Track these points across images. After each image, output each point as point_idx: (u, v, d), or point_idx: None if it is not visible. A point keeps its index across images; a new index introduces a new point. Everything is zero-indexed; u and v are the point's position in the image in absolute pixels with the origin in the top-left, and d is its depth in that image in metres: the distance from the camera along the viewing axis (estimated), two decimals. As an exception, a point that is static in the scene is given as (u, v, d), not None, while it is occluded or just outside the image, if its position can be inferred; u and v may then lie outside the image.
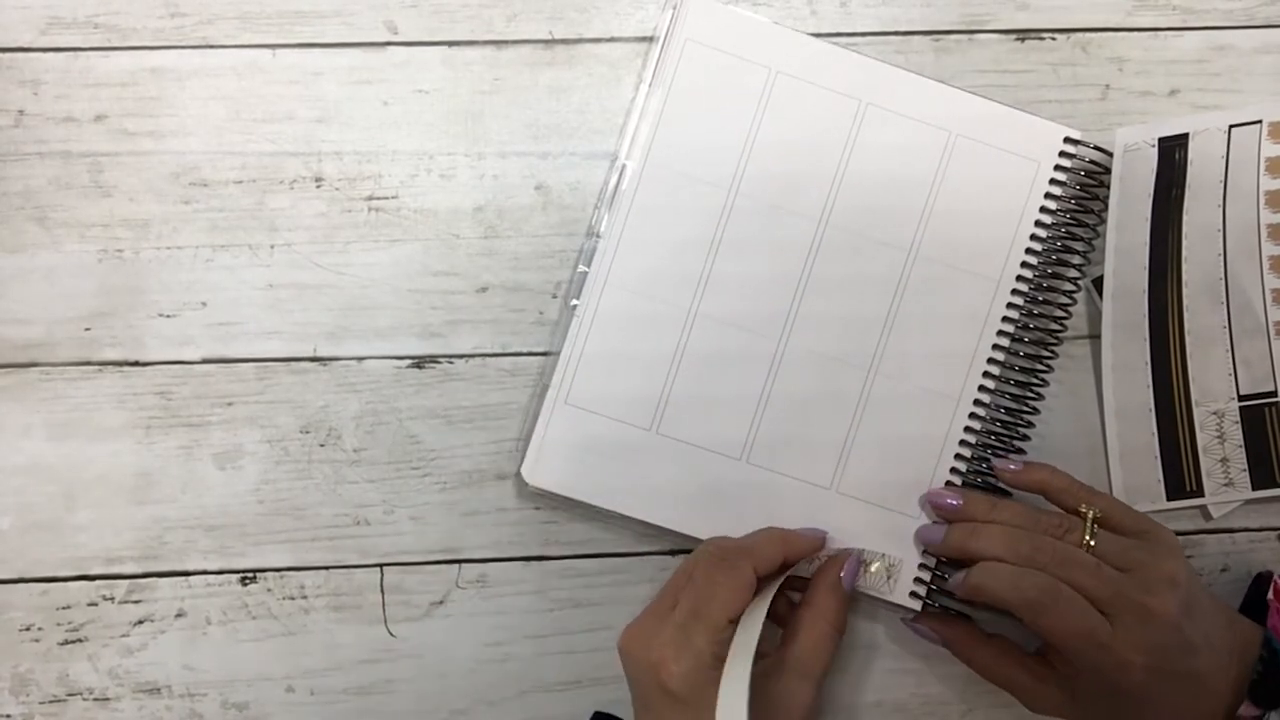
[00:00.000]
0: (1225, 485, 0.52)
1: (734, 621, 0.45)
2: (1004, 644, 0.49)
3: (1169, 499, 0.52)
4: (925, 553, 0.51)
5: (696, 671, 0.43)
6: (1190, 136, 0.53)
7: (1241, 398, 0.52)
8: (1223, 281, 0.52)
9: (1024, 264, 0.51)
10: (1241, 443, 0.52)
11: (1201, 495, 0.52)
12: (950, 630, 0.50)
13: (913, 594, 0.51)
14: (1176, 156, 0.53)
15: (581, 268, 0.51)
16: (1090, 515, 0.47)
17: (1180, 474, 0.52)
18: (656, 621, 0.45)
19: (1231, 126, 0.52)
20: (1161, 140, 0.53)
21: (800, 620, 0.47)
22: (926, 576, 0.51)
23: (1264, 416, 0.52)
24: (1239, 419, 0.52)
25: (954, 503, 0.49)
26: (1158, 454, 0.52)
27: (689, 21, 0.51)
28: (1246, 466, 0.52)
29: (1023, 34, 0.53)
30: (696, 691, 0.43)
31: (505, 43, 0.53)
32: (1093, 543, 0.46)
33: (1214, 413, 0.52)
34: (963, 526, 0.49)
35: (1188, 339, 0.52)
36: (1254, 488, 0.52)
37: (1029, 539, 0.46)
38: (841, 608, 0.48)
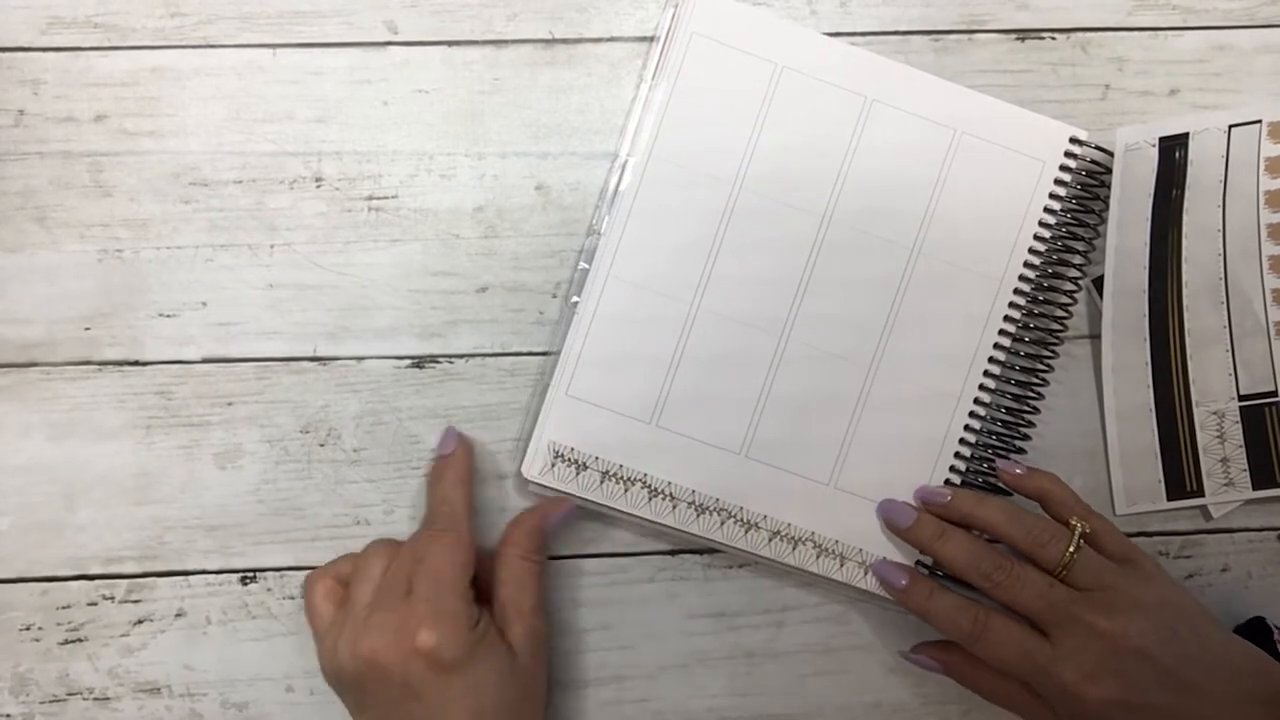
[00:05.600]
0: (1226, 485, 0.52)
1: (473, 582, 0.46)
2: (1010, 683, 0.48)
3: (1169, 499, 0.52)
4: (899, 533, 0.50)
5: (463, 633, 0.44)
6: (1190, 136, 0.53)
7: (1242, 398, 0.52)
8: (1223, 281, 0.52)
9: (1026, 264, 0.51)
10: (1242, 443, 0.52)
11: (1202, 495, 0.52)
12: (949, 655, 0.49)
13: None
14: (1177, 156, 0.53)
15: (582, 265, 0.51)
16: (1078, 529, 0.47)
17: (1180, 474, 0.52)
18: (390, 614, 0.44)
19: (1231, 126, 0.52)
20: (1162, 140, 0.53)
21: (499, 560, 0.47)
22: (925, 575, 0.51)
23: (1264, 416, 0.52)
24: (1239, 419, 0.52)
25: (944, 498, 0.49)
26: (1158, 454, 0.52)
27: (695, 15, 0.51)
28: (1247, 466, 0.52)
29: (1023, 34, 0.53)
30: (467, 653, 0.43)
31: (505, 43, 0.53)
32: (1075, 554, 0.46)
33: (1214, 413, 0.52)
34: (933, 523, 0.49)
35: (1188, 339, 0.52)
36: (1254, 488, 0.52)
37: (991, 558, 0.47)
38: (531, 539, 0.48)
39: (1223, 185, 0.52)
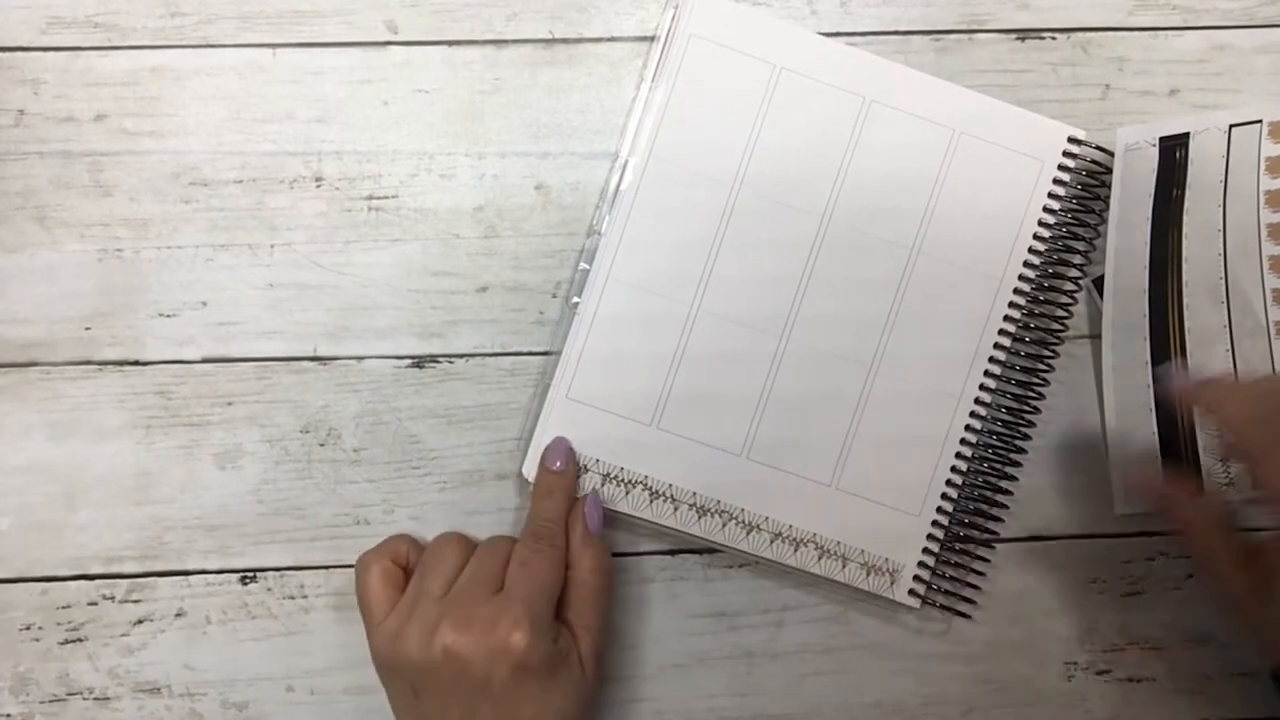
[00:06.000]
0: (1225, 485, 0.52)
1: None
2: (1231, 534, 0.43)
3: (1169, 499, 0.52)
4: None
5: (551, 644, 0.44)
6: (1191, 136, 0.53)
7: (1242, 397, 0.52)
8: (1223, 281, 0.52)
9: (1026, 263, 0.51)
10: (1242, 442, 0.52)
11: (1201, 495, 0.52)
12: (1170, 485, 0.47)
13: (911, 592, 0.51)
14: (1177, 156, 0.53)
15: (583, 265, 0.51)
16: None
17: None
18: (481, 608, 0.44)
19: (1232, 126, 0.53)
20: (1162, 140, 0.53)
21: (567, 581, 0.47)
22: (926, 575, 0.51)
23: (1264, 416, 0.52)
24: (1239, 419, 0.52)
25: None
26: (1158, 454, 0.52)
27: (694, 17, 0.51)
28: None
29: (1023, 34, 0.53)
30: (550, 664, 0.44)
31: (505, 42, 0.53)
32: None
33: (1214, 412, 0.52)
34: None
35: (1188, 339, 0.52)
36: (1254, 487, 0.52)
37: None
38: (595, 552, 0.48)
39: (1223, 185, 0.52)
